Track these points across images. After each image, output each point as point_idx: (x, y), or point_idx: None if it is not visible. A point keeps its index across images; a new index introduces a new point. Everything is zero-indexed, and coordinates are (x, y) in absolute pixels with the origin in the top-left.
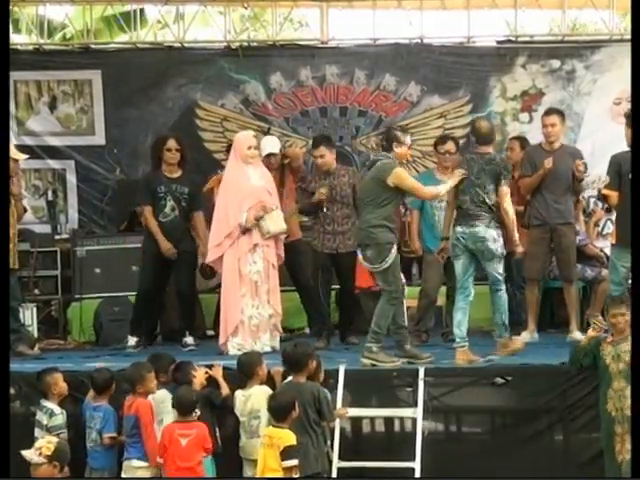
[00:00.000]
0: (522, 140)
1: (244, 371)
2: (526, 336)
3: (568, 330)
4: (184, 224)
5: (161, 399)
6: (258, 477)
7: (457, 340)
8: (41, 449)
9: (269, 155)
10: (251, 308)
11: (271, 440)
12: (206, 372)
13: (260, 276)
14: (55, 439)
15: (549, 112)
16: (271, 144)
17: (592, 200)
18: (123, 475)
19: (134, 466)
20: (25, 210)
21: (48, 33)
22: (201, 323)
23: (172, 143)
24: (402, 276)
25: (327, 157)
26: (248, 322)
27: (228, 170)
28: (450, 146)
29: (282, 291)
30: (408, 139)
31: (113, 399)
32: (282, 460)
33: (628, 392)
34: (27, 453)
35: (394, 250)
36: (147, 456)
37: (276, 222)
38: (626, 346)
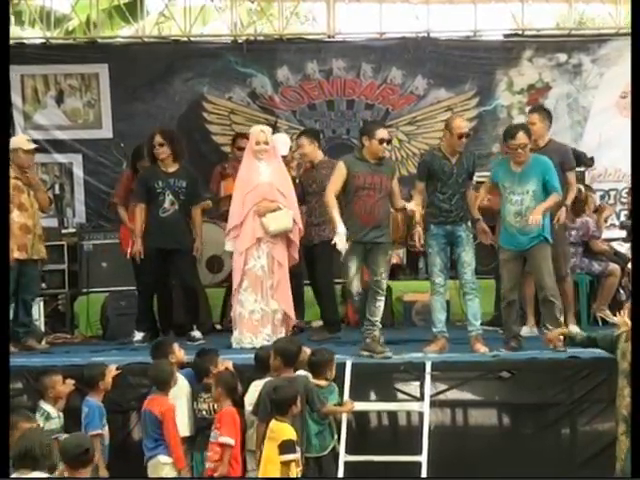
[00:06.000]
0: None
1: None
2: (526, 330)
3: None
4: (184, 218)
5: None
6: (261, 477)
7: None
8: None
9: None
10: (253, 303)
11: (272, 433)
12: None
13: (264, 271)
14: None
15: (530, 110)
16: (283, 145)
17: (599, 195)
18: (150, 473)
19: (162, 462)
20: (51, 201)
21: (53, 25)
22: (208, 317)
23: (157, 139)
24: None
25: (306, 149)
26: (249, 316)
27: (242, 165)
28: (523, 139)
29: None
30: (380, 133)
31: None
32: (279, 454)
33: (627, 392)
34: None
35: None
36: (174, 462)
37: (279, 221)
38: (629, 345)
